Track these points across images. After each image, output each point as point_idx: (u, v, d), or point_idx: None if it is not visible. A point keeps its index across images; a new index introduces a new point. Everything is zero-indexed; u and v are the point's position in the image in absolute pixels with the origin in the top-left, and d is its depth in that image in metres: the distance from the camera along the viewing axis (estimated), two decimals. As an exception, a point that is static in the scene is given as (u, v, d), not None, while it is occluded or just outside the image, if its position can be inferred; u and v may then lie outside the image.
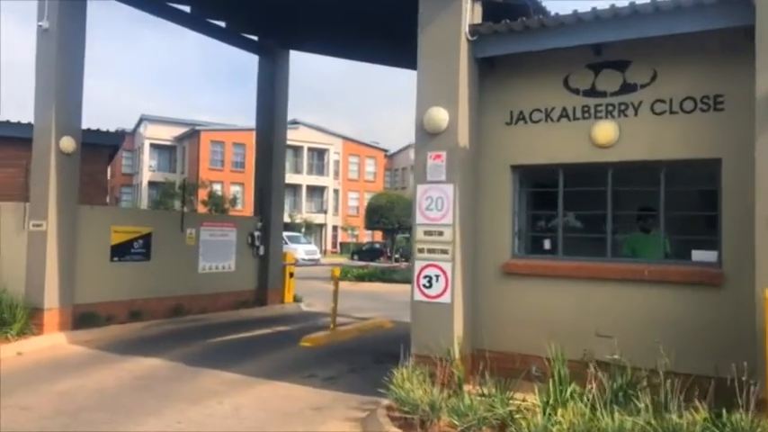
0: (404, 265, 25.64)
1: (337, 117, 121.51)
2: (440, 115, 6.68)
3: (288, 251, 15.76)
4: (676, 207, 6.52)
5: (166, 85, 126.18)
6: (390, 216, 25.65)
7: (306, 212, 53.87)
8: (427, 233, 6.75)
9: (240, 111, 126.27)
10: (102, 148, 13.76)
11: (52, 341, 9.64)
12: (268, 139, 14.48)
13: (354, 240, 54.61)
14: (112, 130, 13.50)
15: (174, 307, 12.07)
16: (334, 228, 56.53)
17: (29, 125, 10.74)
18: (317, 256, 38.04)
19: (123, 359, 8.74)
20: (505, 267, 6.99)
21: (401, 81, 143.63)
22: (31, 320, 9.62)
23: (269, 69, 14.51)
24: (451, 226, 6.64)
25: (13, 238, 10.18)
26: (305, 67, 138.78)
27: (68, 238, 10.08)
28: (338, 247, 56.38)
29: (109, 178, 56.43)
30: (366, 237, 55.92)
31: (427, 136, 6.83)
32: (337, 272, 11.11)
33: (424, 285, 6.72)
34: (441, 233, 6.66)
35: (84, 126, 10.85)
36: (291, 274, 14.95)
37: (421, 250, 6.79)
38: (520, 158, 7.08)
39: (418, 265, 6.80)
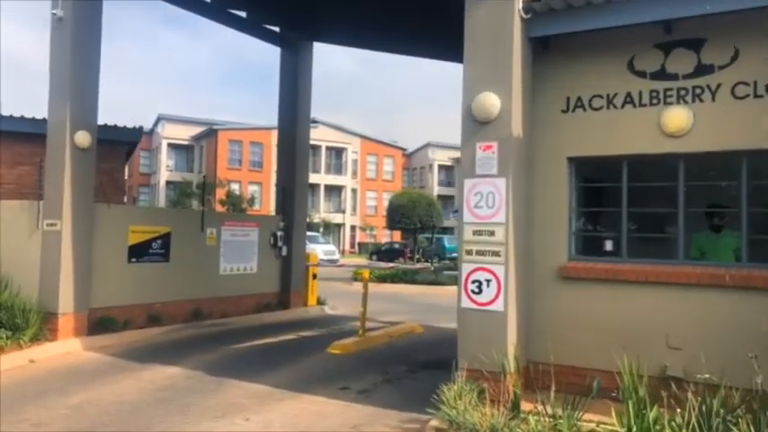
0: (419, 266, 25.00)
1: (353, 117, 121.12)
2: (490, 101, 6.00)
3: (311, 252, 15.12)
4: (759, 203, 5.78)
5: (185, 87, 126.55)
6: (412, 216, 24.91)
7: (324, 212, 53.32)
8: (476, 233, 6.07)
9: (259, 113, 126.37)
10: (119, 144, 13.23)
11: (67, 348, 9.10)
12: (291, 134, 13.88)
13: (372, 240, 53.99)
14: (130, 126, 12.96)
15: (194, 310, 11.50)
16: (352, 228, 55.95)
17: (43, 120, 10.21)
18: (336, 256, 37.41)
19: (141, 367, 8.16)
20: (562, 271, 6.30)
21: (417, 80, 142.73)
22: (44, 326, 9.09)
23: (291, 62, 13.91)
24: (504, 225, 5.96)
25: (25, 238, 9.65)
26: (318, 66, 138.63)
27: (84, 238, 9.54)
28: (356, 247, 55.79)
29: (126, 178, 56.33)
30: (384, 237, 55.27)
31: (475, 125, 6.15)
32: (366, 274, 10.49)
33: (473, 291, 6.05)
34: (491, 233, 5.99)
35: (101, 122, 10.34)
36: (315, 276, 14.33)
37: (469, 252, 6.11)
38: (577, 150, 6.38)
39: (466, 268, 6.12)
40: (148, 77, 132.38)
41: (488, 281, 5.97)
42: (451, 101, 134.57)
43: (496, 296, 5.94)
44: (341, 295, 18.26)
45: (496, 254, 5.96)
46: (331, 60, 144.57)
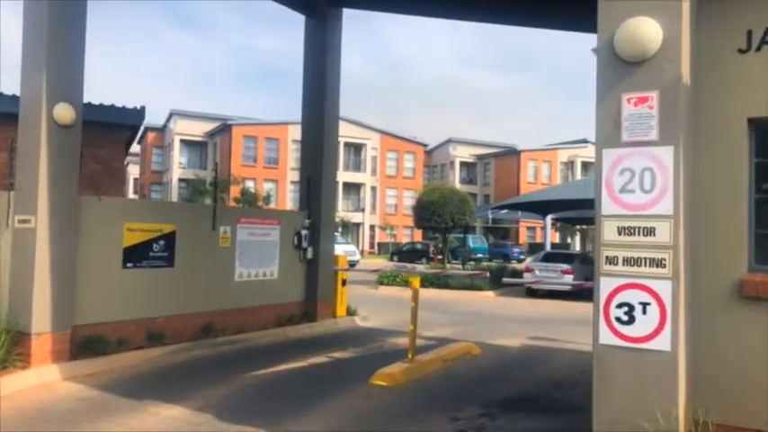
0: (457, 270, 22.89)
1: (369, 115, 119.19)
2: (646, 29, 3.93)
3: (340, 255, 13.11)
4: None
5: (199, 86, 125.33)
6: (443, 213, 22.81)
7: (342, 211, 51.29)
8: (624, 231, 4.00)
9: (272, 112, 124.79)
10: (119, 128, 11.31)
11: (41, 377, 7.15)
12: (317, 116, 11.86)
13: (393, 240, 51.94)
14: (130, 107, 10.99)
15: (205, 325, 9.53)
16: (372, 227, 53.88)
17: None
18: (357, 257, 35.35)
19: (133, 407, 6.18)
20: (745, 287, 4.19)
21: (432, 77, 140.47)
22: (14, 349, 7.16)
23: (318, 31, 11.89)
24: (670, 218, 3.89)
25: (-7, 238, 7.72)
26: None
27: (65, 238, 7.58)
28: (376, 247, 53.75)
29: (138, 175, 54.74)
30: (404, 237, 53.19)
31: (621, 67, 4.07)
32: (417, 283, 8.39)
33: (620, 320, 3.98)
34: (650, 231, 3.91)
35: (98, 103, 8.44)
36: (344, 282, 12.31)
37: (611, 260, 4.05)
38: (763, 107, 4.27)
39: (607, 284, 4.06)
40: (162, 77, 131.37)
41: (645, 304, 3.90)
42: (461, 100, 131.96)
43: (659, 328, 3.86)
44: (368, 302, 16.23)
45: (659, 263, 3.88)
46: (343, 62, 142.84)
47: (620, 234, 4.01)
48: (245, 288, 10.31)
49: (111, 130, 11.10)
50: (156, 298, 8.89)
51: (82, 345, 7.86)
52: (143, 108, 11.00)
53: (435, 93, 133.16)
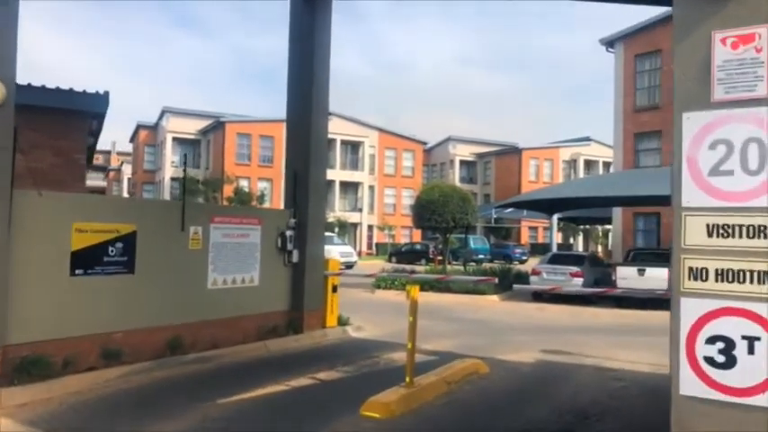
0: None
1: (368, 115, 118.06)
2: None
3: (330, 258, 11.85)
4: None
5: (196, 86, 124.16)
6: (444, 213, 21.53)
7: (339, 210, 50.00)
8: (719, 231, 2.76)
9: (270, 111, 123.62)
10: (80, 116, 10.04)
11: (-39, 410, 5.89)
12: (305, 104, 10.62)
13: (391, 241, 50.67)
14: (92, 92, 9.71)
15: (171, 341, 8.26)
16: (370, 227, 52.57)
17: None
18: (354, 258, 34.14)
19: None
20: None
21: (432, 77, 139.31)
22: (-72, 375, 5.91)
23: (305, 8, 10.63)
24: (788, 213, 2.62)
25: None
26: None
27: (-5, 240, 6.32)
28: (374, 248, 52.47)
29: (130, 175, 53.41)
30: (403, 237, 51.94)
31: (710, -6, 2.82)
32: (416, 292, 7.12)
33: (712, 361, 2.74)
34: (759, 231, 2.65)
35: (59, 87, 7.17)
36: (335, 288, 11.06)
37: (698, 273, 2.81)
38: None
39: (691, 309, 2.81)
40: (158, 77, 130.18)
41: (752, 339, 2.65)
42: (461, 100, 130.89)
43: (775, 375, 2.60)
44: (363, 307, 14.99)
45: (774, 279, 2.62)
46: (340, 61, 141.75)
47: (710, 235, 2.76)
48: (219, 297, 9.05)
49: (71, 118, 9.83)
50: (112, 310, 7.63)
51: (17, 368, 6.60)
52: (106, 93, 9.73)
53: (435, 92, 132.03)
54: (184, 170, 9.60)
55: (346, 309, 13.79)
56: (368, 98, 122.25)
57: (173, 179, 47.34)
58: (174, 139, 49.83)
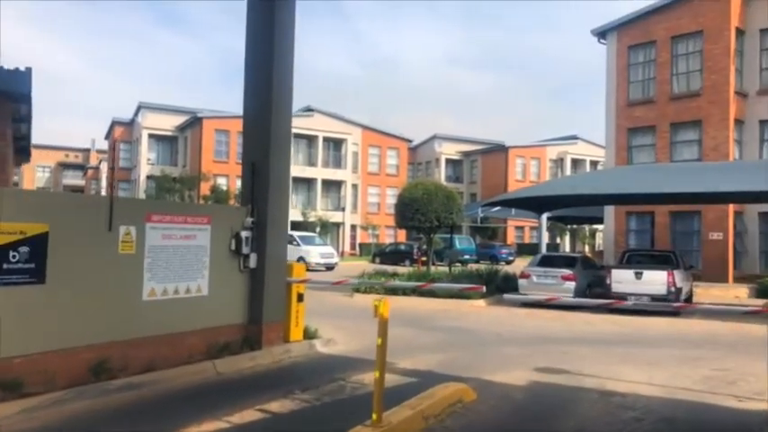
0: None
1: (354, 114, 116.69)
2: None
3: (295, 262, 10.48)
4: None
5: (179, 84, 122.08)
6: (428, 212, 20.24)
7: (321, 210, 48.53)
8: None
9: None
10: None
11: None
12: (264, 82, 9.23)
13: (375, 241, 49.29)
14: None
15: (95, 364, 6.88)
16: (353, 227, 51.11)
17: None
18: (335, 259, 32.78)
19: None
20: None
21: (418, 77, 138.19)
22: None
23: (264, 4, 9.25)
24: None
25: None
26: (315, 65, 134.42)
27: None
28: (357, 248, 51.05)
29: (108, 170, 51.38)
30: (388, 237, 50.61)
31: None
32: (385, 309, 5.76)
33: None
34: None
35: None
36: (301, 297, 9.70)
37: None
38: None
39: None
40: (142, 75, 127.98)
41: None
42: (449, 100, 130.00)
43: None
44: (339, 314, 13.67)
45: None
46: (326, 59, 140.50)
47: None
48: (158, 310, 7.66)
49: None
50: (11, 329, 6.22)
51: None
52: (29, 70, 8.30)
53: (422, 92, 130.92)
54: (111, 154, 8.18)
55: (320, 316, 12.49)
56: (355, 97, 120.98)
57: (149, 177, 45.53)
58: (151, 135, 48.03)
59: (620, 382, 7.95)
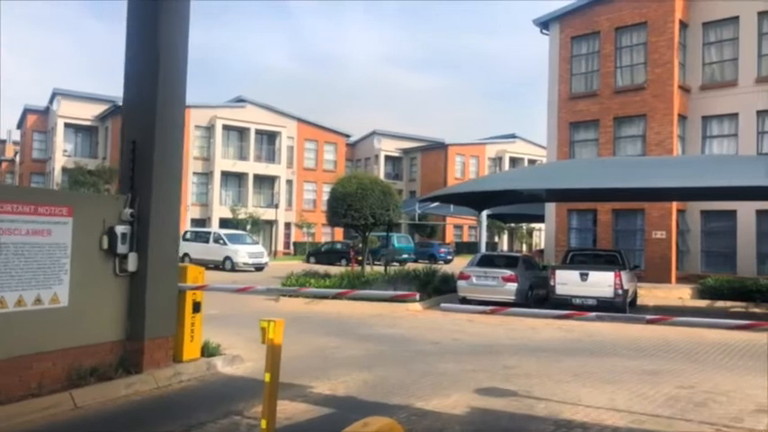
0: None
1: (293, 112, 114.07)
2: None
3: (191, 265, 8.73)
4: None
5: (99, 73, 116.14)
6: (363, 208, 18.73)
7: (253, 206, 46.23)
8: None
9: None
10: None
11: None
12: (149, 42, 7.46)
13: (311, 240, 47.41)
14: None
15: None
16: (287, 225, 49.00)
17: None
18: (265, 259, 30.82)
19: None
20: None
21: (359, 75, 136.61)
22: None
23: None
24: None
25: None
26: (257, 62, 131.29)
27: None
28: (291, 247, 49.00)
29: (18, 163, 47.60)
30: (325, 235, 48.83)
31: None
32: (277, 334, 4.18)
33: None
34: None
35: None
36: (197, 306, 7.97)
37: None
38: None
39: None
40: (66, 64, 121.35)
41: None
42: (395, 97, 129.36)
43: None
44: (258, 319, 11.94)
45: None
46: (261, 55, 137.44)
47: None
48: (-10, 328, 5.82)
49: None
50: None
51: None
52: None
53: (363, 91, 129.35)
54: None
55: (232, 326, 10.79)
56: (295, 94, 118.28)
57: (65, 169, 42.02)
58: (67, 125, 44.44)
59: (577, 408, 6.65)
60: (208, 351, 8.24)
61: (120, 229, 7.00)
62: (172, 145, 7.61)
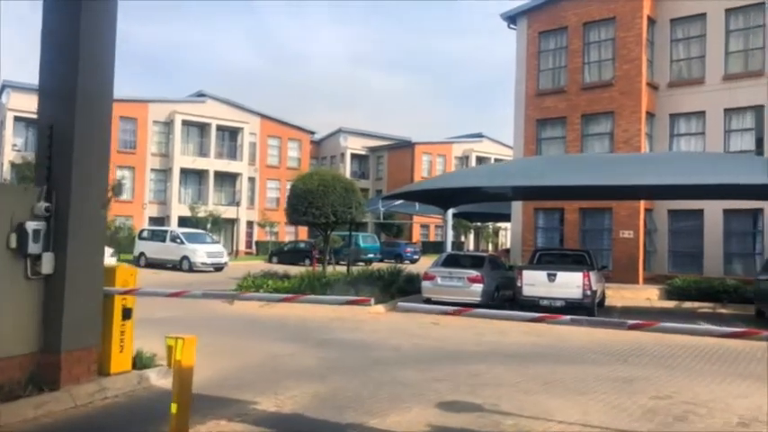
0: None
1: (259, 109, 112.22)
2: None
3: (123, 265, 7.84)
4: None
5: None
6: (324, 206, 17.94)
7: (213, 204, 44.88)
8: None
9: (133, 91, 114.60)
10: None
11: None
12: (69, 10, 6.55)
13: (274, 239, 46.28)
14: None
15: None
16: (249, 223, 47.75)
17: None
18: (224, 259, 29.75)
19: None
20: None
21: (326, 74, 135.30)
22: None
23: None
24: None
25: None
26: (214, 59, 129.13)
27: None
28: (254, 246, 47.77)
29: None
30: (288, 235, 47.74)
31: None
32: (187, 355, 3.41)
33: None
34: None
35: None
36: (127, 313, 7.08)
37: None
38: None
39: None
40: (25, 56, 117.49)
41: None
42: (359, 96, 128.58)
43: None
44: (207, 327, 11.04)
45: None
46: (227, 54, 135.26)
47: None
48: None
49: None
50: None
51: None
52: None
53: (331, 90, 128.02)
54: None
55: (182, 330, 9.79)
56: (262, 91, 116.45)
57: (13, 165, 40.05)
58: (18, 118, 42.40)
59: (551, 424, 6.01)
60: (141, 362, 7.35)
61: (31, 225, 6.09)
62: (98, 132, 6.71)
